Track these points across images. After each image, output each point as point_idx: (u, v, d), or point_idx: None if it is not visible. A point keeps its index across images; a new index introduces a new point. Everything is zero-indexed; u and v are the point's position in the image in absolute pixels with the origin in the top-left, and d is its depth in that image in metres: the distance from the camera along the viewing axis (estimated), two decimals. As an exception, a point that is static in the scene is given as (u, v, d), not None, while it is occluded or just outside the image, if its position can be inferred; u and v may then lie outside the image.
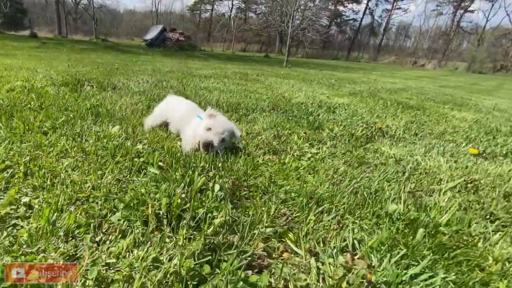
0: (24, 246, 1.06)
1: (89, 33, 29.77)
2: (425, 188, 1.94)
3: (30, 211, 1.27)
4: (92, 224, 1.20)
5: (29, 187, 1.42)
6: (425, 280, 1.14)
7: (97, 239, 1.16)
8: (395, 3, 43.71)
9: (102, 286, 0.96)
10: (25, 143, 1.87)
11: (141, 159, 1.83)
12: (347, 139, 2.85)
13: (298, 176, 1.92)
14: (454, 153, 2.79)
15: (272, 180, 1.81)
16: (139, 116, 2.72)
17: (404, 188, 1.87)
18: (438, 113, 4.80)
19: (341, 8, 43.63)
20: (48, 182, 1.46)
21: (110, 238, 1.17)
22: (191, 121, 2.25)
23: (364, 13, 43.81)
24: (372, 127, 3.37)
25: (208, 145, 2.04)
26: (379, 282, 1.10)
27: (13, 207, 1.27)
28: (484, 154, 2.91)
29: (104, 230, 1.20)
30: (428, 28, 44.63)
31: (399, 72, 20.39)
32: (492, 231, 1.54)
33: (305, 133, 2.87)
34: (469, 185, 2.08)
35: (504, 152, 3.03)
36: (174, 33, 22.77)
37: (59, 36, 25.27)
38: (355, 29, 43.43)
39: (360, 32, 43.92)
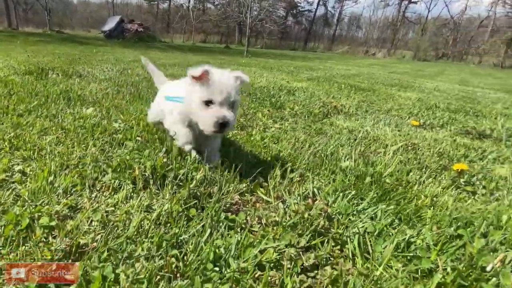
0: (29, 201, 1.20)
1: (41, 25, 27.77)
2: (373, 150, 2.27)
3: (25, 177, 1.38)
4: (86, 183, 1.36)
5: (19, 158, 1.53)
6: (370, 212, 1.43)
7: (93, 195, 1.31)
8: (346, -6, 45.22)
9: (105, 226, 1.13)
10: (3, 124, 1.93)
11: (119, 135, 1.97)
12: (306, 116, 3.13)
13: (265, 145, 2.15)
14: (398, 124, 3.18)
15: (242, 148, 2.03)
16: (110, 100, 2.81)
17: (355, 151, 2.18)
18: (386, 93, 5.27)
19: (296, -1, 44.36)
20: (36, 155, 1.58)
21: (104, 194, 1.33)
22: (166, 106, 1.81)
23: (318, 4, 44.92)
24: (328, 105, 3.70)
25: (223, 125, 1.47)
26: (334, 213, 1.37)
27: (8, 174, 1.38)
28: (424, 125, 3.34)
29: (98, 189, 1.36)
30: (377, 18, 46.85)
31: (352, 61, 21.32)
32: (425, 178, 1.88)
33: (268, 111, 3.12)
34: (409, 147, 2.44)
35: (440, 123, 3.48)
36: (132, 24, 22.03)
37: (9, 28, 23.42)
38: (310, 20, 44.56)
39: (315, 23, 45.13)
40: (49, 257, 0.94)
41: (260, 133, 2.38)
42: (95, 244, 1.02)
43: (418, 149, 2.41)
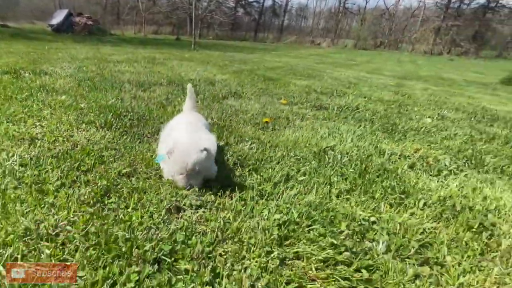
0: (50, 133, 2.75)
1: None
2: (238, 115, 3.99)
3: (42, 127, 2.91)
4: (74, 128, 2.92)
5: (35, 120, 3.04)
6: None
7: (78, 132, 2.88)
8: (291, -15, 47.45)
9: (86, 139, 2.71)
10: (15, 105, 3.39)
11: (85, 110, 3.51)
12: (210, 99, 4.80)
13: (172, 113, 3.79)
14: (269, 103, 4.95)
15: (159, 116, 3.66)
16: (74, 91, 4.29)
17: (217, 114, 3.89)
18: (286, 82, 7.10)
19: (243, -11, 45.73)
20: (43, 119, 3.10)
21: (83, 132, 2.90)
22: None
23: (265, -6, 46.75)
24: (234, 92, 5.41)
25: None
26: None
27: (34, 125, 2.90)
28: (290, 104, 5.14)
29: (79, 130, 2.93)
30: (321, 9, 49.95)
31: (295, 52, 23.37)
32: (249, 126, 3.63)
33: (183, 95, 4.77)
34: (261, 113, 4.20)
35: (302, 101, 5.31)
36: (81, 17, 22.29)
37: None
38: (259, 11, 46.48)
39: (264, 14, 47.17)
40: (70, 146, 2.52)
41: (172, 108, 4.02)
42: (83, 142, 2.61)
43: (265, 114, 4.18)
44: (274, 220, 1.60)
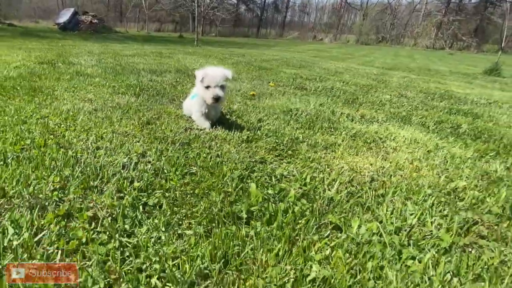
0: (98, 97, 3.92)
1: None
2: (232, 92, 5.15)
3: (91, 95, 4.09)
4: (114, 95, 4.09)
5: (85, 92, 4.22)
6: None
7: (117, 97, 4.05)
8: (293, -19, 48.41)
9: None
10: (63, 85, 4.57)
11: (117, 88, 4.68)
12: (211, 81, 5.96)
13: (184, 93, 4.95)
14: (259, 85, 6.10)
15: (172, 92, 4.82)
16: (103, 75, 5.48)
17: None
18: (278, 71, 8.24)
19: (245, -14, 46.80)
20: (89, 92, 4.27)
21: (119, 98, 4.07)
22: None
23: (267, -10, 47.82)
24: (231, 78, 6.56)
25: (217, 99, 2.67)
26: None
27: (87, 96, 4.08)
28: (277, 86, 6.28)
29: (118, 96, 4.10)
30: (323, 4, 51.01)
31: (294, 47, 24.46)
32: (240, 97, 4.78)
33: (189, 79, 5.93)
34: (249, 92, 5.35)
35: (289, 84, 6.45)
36: (86, 15, 23.54)
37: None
38: (261, 7, 47.62)
39: (266, 10, 48.29)
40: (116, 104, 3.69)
41: (180, 87, 5.18)
42: (124, 102, 3.78)
43: (253, 90, 5.34)
44: (245, 134, 2.77)
